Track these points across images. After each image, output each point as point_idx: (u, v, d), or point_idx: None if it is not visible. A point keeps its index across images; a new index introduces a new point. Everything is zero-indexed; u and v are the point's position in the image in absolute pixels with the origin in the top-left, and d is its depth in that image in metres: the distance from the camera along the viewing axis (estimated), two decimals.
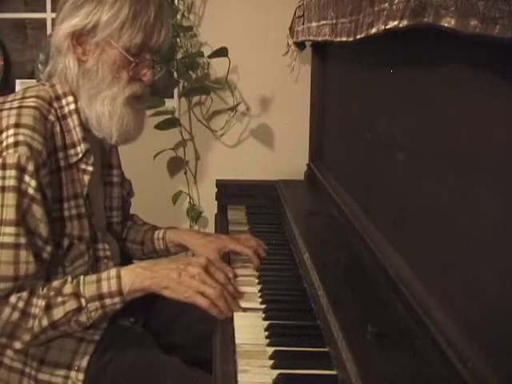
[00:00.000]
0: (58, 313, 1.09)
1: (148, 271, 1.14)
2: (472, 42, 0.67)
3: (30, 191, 1.08)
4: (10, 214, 1.07)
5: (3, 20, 2.33)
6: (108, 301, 1.11)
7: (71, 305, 1.10)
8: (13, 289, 1.07)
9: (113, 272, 1.14)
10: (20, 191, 1.07)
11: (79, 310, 1.10)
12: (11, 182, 1.07)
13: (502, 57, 0.70)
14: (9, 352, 1.19)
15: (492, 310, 0.75)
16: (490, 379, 0.73)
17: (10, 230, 1.07)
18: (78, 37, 1.17)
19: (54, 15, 2.26)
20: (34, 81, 2.24)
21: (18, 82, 2.32)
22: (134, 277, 1.13)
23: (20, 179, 1.07)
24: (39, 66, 2.26)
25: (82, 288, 1.11)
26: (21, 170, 1.07)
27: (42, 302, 1.09)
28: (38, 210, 1.09)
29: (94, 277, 1.14)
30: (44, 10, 2.31)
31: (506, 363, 0.70)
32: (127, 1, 1.15)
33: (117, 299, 1.12)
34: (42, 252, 1.11)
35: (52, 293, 1.10)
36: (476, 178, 0.80)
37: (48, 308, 1.09)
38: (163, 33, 1.20)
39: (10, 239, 1.07)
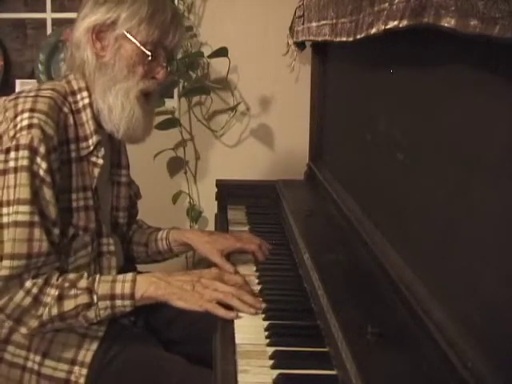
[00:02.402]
0: (68, 304, 1.11)
1: (163, 281, 1.16)
2: (472, 42, 0.68)
3: (41, 173, 1.12)
4: (23, 193, 1.10)
5: (3, 20, 2.33)
6: (118, 302, 1.13)
7: (82, 299, 1.12)
8: (25, 267, 1.09)
9: (129, 276, 1.16)
10: (32, 171, 1.11)
11: (89, 305, 1.12)
12: (24, 162, 1.11)
13: (501, 57, 0.70)
14: (10, 347, 1.20)
15: (492, 309, 0.75)
16: (490, 379, 0.73)
17: (25, 208, 1.10)
18: (98, 32, 1.22)
19: (54, 15, 2.29)
20: (34, 81, 2.25)
21: (18, 82, 2.32)
22: (148, 284, 1.15)
23: (32, 160, 1.11)
24: (39, 65, 2.27)
25: (96, 285, 1.14)
26: (33, 151, 1.11)
27: (55, 292, 1.11)
28: (47, 192, 1.12)
29: (109, 277, 1.17)
30: (44, 10, 2.31)
31: (506, 363, 0.70)
32: (146, 0, 1.21)
33: (127, 302, 1.14)
34: (51, 232, 1.13)
35: (66, 284, 1.12)
36: (476, 178, 0.80)
37: (60, 298, 1.11)
38: (178, 35, 1.25)
39: (24, 217, 1.10)
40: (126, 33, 1.20)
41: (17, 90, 2.24)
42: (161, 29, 1.22)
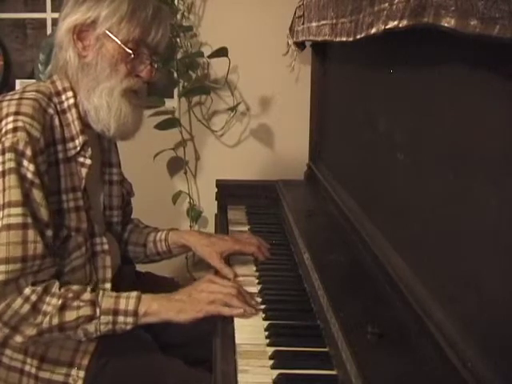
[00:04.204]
0: (70, 315, 1.10)
1: (164, 298, 1.16)
2: (472, 42, 0.68)
3: (29, 175, 1.10)
4: (14, 195, 1.08)
5: (3, 20, 2.33)
6: (121, 318, 1.12)
7: (85, 311, 1.10)
8: (22, 270, 1.07)
9: (134, 293, 1.15)
10: (20, 174, 1.09)
11: (91, 318, 1.11)
12: (11, 165, 1.09)
13: (501, 57, 0.70)
14: (7, 351, 1.20)
15: (492, 309, 0.75)
16: (490, 379, 0.73)
17: (17, 210, 1.08)
18: (79, 32, 1.20)
19: (54, 15, 2.30)
20: (34, 81, 2.24)
21: (17, 82, 2.33)
22: (152, 301, 1.14)
23: (19, 163, 1.09)
24: (39, 65, 2.26)
25: (99, 298, 1.12)
26: (19, 154, 1.10)
27: (57, 301, 1.09)
28: (37, 194, 1.11)
29: (113, 293, 1.16)
30: (44, 10, 2.31)
31: (506, 363, 0.70)
32: None
33: (130, 319, 1.12)
34: (45, 235, 1.12)
35: (70, 295, 1.11)
36: (476, 178, 0.80)
37: (62, 308, 1.09)
38: (160, 31, 1.23)
39: (17, 220, 1.08)
40: (106, 32, 1.19)
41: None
42: (142, 26, 1.20)
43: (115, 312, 1.12)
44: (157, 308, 1.13)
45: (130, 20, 1.19)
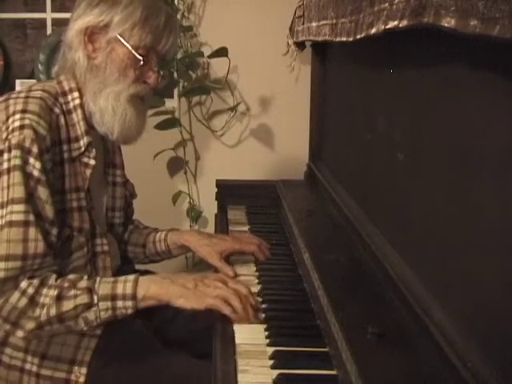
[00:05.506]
0: (67, 305, 1.09)
1: (165, 280, 1.14)
2: (472, 42, 0.68)
3: (35, 173, 1.10)
4: (17, 192, 1.09)
5: (3, 20, 2.33)
6: (120, 303, 1.11)
7: (82, 299, 1.09)
8: (21, 268, 1.07)
9: (131, 276, 1.14)
10: (25, 171, 1.10)
11: (89, 305, 1.10)
12: (16, 162, 1.10)
13: (501, 57, 0.70)
14: (7, 350, 1.20)
15: (492, 309, 0.75)
16: (490, 379, 0.73)
17: (19, 207, 1.08)
18: (91, 34, 1.21)
19: (54, 15, 2.30)
20: (34, 81, 2.24)
21: (18, 82, 2.32)
22: (150, 283, 1.13)
23: (25, 160, 1.10)
24: (39, 65, 2.27)
25: (96, 285, 1.11)
26: (26, 151, 1.10)
27: (53, 292, 1.09)
28: (43, 192, 1.11)
29: (111, 278, 1.15)
30: (44, 10, 2.31)
31: (506, 363, 0.70)
32: (140, 4, 1.20)
33: (129, 303, 1.11)
34: (48, 233, 1.12)
35: (66, 284, 1.10)
36: (476, 178, 0.80)
37: (59, 298, 1.09)
38: (171, 40, 1.24)
39: (19, 217, 1.08)
40: (118, 36, 1.20)
41: (16, 90, 2.24)
42: (154, 34, 1.21)
43: (113, 297, 1.10)
44: (156, 290, 1.12)
45: (143, 27, 1.20)
